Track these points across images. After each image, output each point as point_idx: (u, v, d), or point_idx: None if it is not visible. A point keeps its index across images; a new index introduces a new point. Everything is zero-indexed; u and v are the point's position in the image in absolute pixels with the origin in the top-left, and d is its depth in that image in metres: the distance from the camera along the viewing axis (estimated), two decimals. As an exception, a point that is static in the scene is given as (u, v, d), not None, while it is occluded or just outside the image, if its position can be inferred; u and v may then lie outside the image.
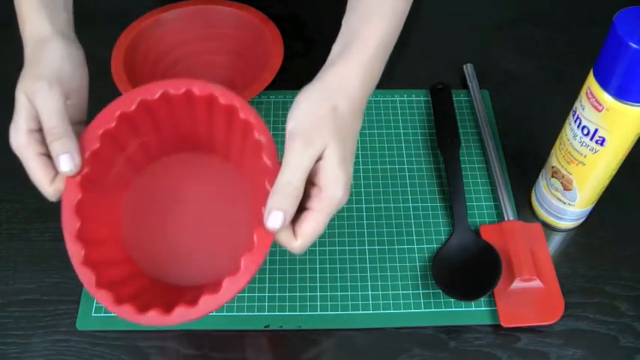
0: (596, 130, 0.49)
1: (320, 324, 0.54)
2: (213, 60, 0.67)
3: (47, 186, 0.44)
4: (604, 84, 0.47)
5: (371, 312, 0.54)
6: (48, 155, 0.45)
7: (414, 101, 0.69)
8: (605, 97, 0.47)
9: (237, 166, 0.50)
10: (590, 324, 0.54)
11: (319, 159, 0.43)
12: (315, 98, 0.45)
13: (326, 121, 0.43)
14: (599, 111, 0.48)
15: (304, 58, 0.72)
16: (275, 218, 0.41)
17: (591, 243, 0.59)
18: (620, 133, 0.49)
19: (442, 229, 0.59)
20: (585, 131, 0.50)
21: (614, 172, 0.53)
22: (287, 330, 0.53)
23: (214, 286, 0.42)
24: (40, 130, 0.45)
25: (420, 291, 0.56)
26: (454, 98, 0.69)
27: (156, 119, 0.48)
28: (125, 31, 0.63)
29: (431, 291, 0.55)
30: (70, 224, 0.44)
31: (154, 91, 0.46)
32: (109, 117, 0.45)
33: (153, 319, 0.41)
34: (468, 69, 0.71)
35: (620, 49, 0.44)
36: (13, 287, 0.55)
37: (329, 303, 0.55)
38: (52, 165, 0.44)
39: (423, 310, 0.55)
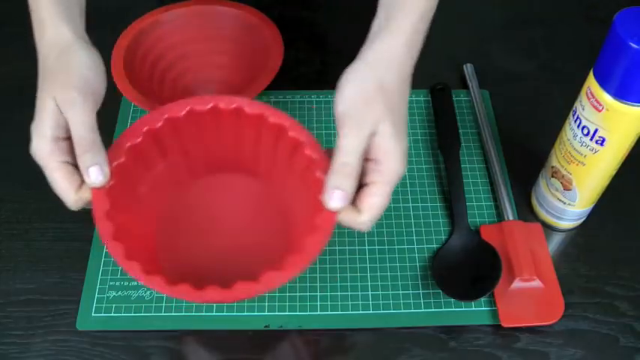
0: (596, 130, 0.49)
1: (320, 324, 0.54)
2: (213, 60, 0.67)
3: (72, 194, 0.44)
4: (604, 84, 0.47)
5: (371, 312, 0.54)
6: (72, 163, 0.44)
7: (414, 101, 0.69)
8: (605, 97, 0.47)
9: (265, 180, 0.50)
10: (590, 324, 0.54)
11: (373, 135, 0.43)
12: (360, 78, 0.45)
13: (375, 101, 0.44)
14: (599, 111, 0.48)
15: (304, 58, 0.72)
16: (337, 197, 0.42)
17: (591, 243, 0.59)
18: (620, 133, 0.49)
19: (442, 229, 0.59)
20: (585, 131, 0.50)
21: (614, 172, 0.53)
22: (287, 330, 0.53)
23: (279, 265, 0.41)
24: (66, 138, 0.44)
25: (420, 291, 0.56)
26: (454, 98, 0.69)
27: (182, 138, 0.48)
28: (124, 31, 0.63)
29: (431, 291, 0.55)
30: (104, 229, 0.43)
31: (180, 108, 0.47)
32: (136, 132, 0.46)
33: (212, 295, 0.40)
34: (468, 69, 0.71)
35: (620, 49, 0.44)
36: (13, 287, 0.55)
37: (329, 303, 0.55)
38: (77, 173, 0.44)
39: (423, 310, 0.55)
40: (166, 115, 0.47)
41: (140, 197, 0.48)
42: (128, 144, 0.46)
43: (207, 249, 0.49)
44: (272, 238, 0.48)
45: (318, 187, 0.43)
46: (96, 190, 0.44)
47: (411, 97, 0.69)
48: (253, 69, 0.64)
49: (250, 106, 0.47)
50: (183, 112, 0.47)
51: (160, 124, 0.47)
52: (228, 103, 0.47)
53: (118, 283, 0.55)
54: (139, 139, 0.46)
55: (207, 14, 0.66)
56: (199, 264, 0.48)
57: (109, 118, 0.67)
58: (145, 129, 0.47)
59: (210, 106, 0.47)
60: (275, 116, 0.46)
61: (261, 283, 0.40)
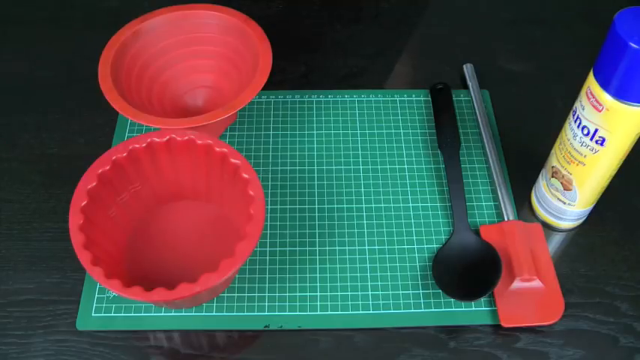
0: (596, 130, 0.49)
1: (320, 324, 0.54)
2: (199, 65, 0.66)
3: None
4: (604, 84, 0.47)
5: (371, 312, 0.54)
6: None
7: (414, 101, 0.69)
8: (605, 97, 0.47)
9: (217, 204, 0.58)
10: (590, 324, 0.54)
11: None
12: None
13: None
14: (599, 111, 0.48)
15: (299, 57, 0.72)
16: None
17: (591, 243, 0.59)
18: (620, 133, 0.49)
19: (442, 229, 0.59)
20: (585, 131, 0.50)
21: (614, 172, 0.53)
22: (287, 330, 0.53)
23: (214, 269, 0.47)
24: None
25: (420, 291, 0.56)
26: (454, 98, 0.69)
27: (143, 167, 0.55)
28: (106, 46, 0.61)
29: (431, 291, 0.55)
30: (76, 239, 0.48)
31: (141, 140, 0.53)
32: (106, 160, 0.52)
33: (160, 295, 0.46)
34: (468, 69, 0.71)
35: (620, 49, 0.44)
36: (13, 287, 0.55)
37: (329, 303, 0.55)
38: None
39: (423, 310, 0.55)
40: (130, 147, 0.52)
41: (111, 218, 0.54)
42: (99, 170, 0.51)
43: (165, 261, 0.56)
44: (216, 248, 0.56)
45: (252, 202, 0.50)
46: (72, 208, 0.49)
47: (411, 97, 0.69)
48: (242, 69, 0.63)
49: (200, 139, 0.53)
50: (144, 144, 0.53)
51: (124, 154, 0.52)
52: (181, 135, 0.53)
53: (118, 283, 0.55)
54: (108, 167, 0.52)
55: (186, 19, 0.65)
56: (157, 273, 0.55)
57: (107, 126, 0.67)
58: (113, 158, 0.52)
59: (166, 138, 0.53)
60: (219, 146, 0.53)
61: (199, 283, 0.46)
